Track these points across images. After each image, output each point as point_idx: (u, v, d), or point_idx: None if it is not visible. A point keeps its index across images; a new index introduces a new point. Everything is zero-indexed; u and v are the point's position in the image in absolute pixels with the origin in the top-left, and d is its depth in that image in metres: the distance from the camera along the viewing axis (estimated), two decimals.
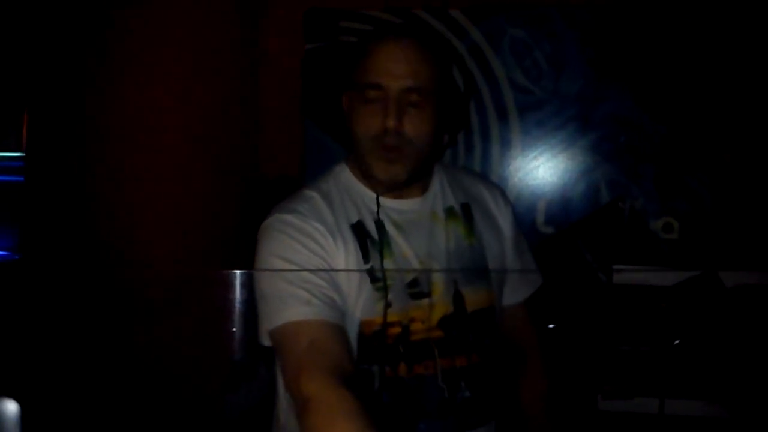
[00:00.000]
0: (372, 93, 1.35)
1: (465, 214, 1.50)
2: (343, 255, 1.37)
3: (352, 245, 1.39)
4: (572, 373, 2.14)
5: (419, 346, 1.39)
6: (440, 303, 1.41)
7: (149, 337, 2.10)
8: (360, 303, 1.36)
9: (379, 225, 1.41)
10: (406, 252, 1.41)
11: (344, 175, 1.48)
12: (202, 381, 2.12)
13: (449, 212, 1.48)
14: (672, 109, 2.28)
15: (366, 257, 1.38)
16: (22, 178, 2.48)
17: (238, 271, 1.52)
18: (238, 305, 1.60)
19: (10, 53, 2.84)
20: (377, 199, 1.42)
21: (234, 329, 1.76)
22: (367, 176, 1.43)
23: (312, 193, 1.44)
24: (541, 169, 2.34)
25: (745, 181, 2.30)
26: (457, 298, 1.42)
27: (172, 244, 2.16)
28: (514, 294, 1.59)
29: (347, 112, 1.42)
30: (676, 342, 2.14)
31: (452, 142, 1.56)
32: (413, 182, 1.44)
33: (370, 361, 1.37)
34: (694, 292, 2.16)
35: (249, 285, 1.44)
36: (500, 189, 1.63)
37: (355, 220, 1.42)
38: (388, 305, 1.36)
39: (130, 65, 2.21)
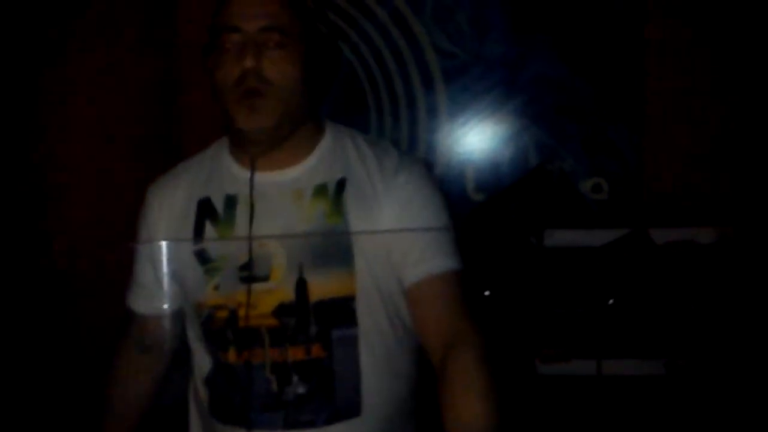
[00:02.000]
0: (230, 36, 1.25)
1: (337, 190, 1.34)
2: (171, 231, 1.36)
3: (188, 226, 1.34)
4: (509, 339, 2.12)
5: (248, 333, 1.30)
6: (279, 289, 1.30)
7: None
8: (190, 284, 1.33)
9: (230, 202, 1.34)
10: (246, 233, 1.31)
11: (220, 150, 1.39)
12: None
13: (318, 190, 1.34)
14: (597, 69, 2.27)
15: (198, 237, 1.33)
16: None
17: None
18: None
19: None
20: (252, 168, 1.32)
21: None
22: (233, 137, 1.34)
23: (178, 168, 1.42)
24: (469, 135, 2.31)
25: (673, 136, 2.31)
26: (300, 285, 1.30)
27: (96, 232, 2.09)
28: (415, 269, 1.32)
29: (208, 71, 1.30)
30: (611, 302, 2.14)
31: (325, 91, 1.42)
32: (284, 139, 1.32)
33: (207, 342, 1.34)
34: (625, 251, 2.16)
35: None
36: (402, 160, 1.39)
37: (203, 196, 1.35)
38: (215, 287, 1.31)
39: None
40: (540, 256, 2.19)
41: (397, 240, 1.32)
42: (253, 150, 1.30)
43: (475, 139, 2.31)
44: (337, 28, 2.28)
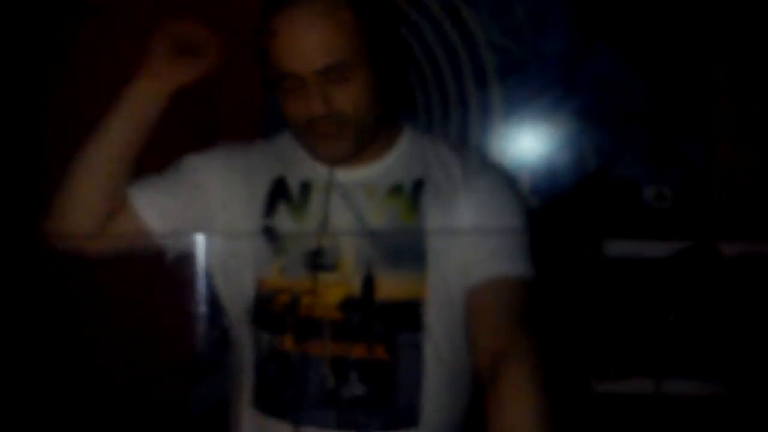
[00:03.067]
0: (288, 82, 1.20)
1: (414, 190, 1.31)
2: (231, 201, 1.33)
3: (259, 198, 1.32)
4: (564, 354, 2.02)
5: (309, 322, 1.27)
6: (345, 282, 1.27)
7: (101, 326, 1.98)
8: (250, 258, 1.30)
9: (305, 188, 1.32)
10: (319, 222, 1.29)
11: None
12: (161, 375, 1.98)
13: (393, 188, 1.32)
14: (663, 68, 2.15)
15: (269, 213, 1.31)
16: None
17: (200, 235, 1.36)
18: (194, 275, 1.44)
19: None
20: (330, 174, 1.31)
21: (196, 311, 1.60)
22: (311, 154, 1.32)
23: (256, 143, 1.43)
24: (525, 136, 2.21)
25: (742, 145, 2.18)
26: (367, 282, 1.26)
27: None
28: (479, 269, 1.25)
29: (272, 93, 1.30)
30: (672, 317, 2.02)
31: (402, 93, 1.39)
32: (365, 150, 1.31)
33: (262, 325, 1.30)
34: (690, 264, 2.04)
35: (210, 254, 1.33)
36: (483, 162, 1.39)
37: (279, 175, 1.34)
38: (281, 269, 1.29)
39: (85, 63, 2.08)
40: (598, 267, 2.09)
41: (468, 242, 1.28)
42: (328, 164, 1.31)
43: (531, 140, 2.21)
44: (401, 22, 2.18)
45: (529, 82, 2.19)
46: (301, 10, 1.17)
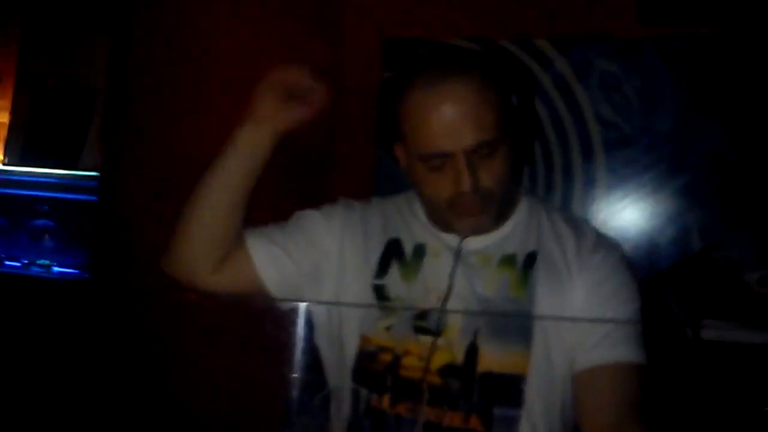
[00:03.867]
0: (436, 161, 1.21)
1: (526, 263, 1.31)
2: (345, 259, 1.34)
3: (373, 257, 1.33)
4: None
5: (409, 384, 1.27)
6: (448, 348, 1.26)
7: (203, 368, 2.06)
8: (358, 313, 1.31)
9: (419, 250, 1.33)
10: (430, 284, 1.30)
11: (414, 200, 1.39)
12: (255, 417, 2.05)
13: (506, 259, 1.31)
14: None
15: (381, 273, 1.32)
16: (95, 198, 2.50)
17: (302, 304, 1.42)
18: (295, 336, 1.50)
19: (82, 70, 2.89)
20: (459, 242, 1.31)
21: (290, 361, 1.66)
22: (443, 226, 1.32)
23: (373, 202, 1.42)
24: (628, 210, 2.19)
25: None
26: (471, 351, 1.25)
27: None
28: (590, 353, 1.25)
29: (406, 168, 1.31)
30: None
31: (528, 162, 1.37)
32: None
33: (361, 381, 1.29)
34: None
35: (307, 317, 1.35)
36: (600, 240, 1.34)
37: (394, 236, 1.36)
38: (387, 328, 1.29)
39: (207, 91, 2.20)
40: (695, 349, 2.04)
41: (573, 327, 1.26)
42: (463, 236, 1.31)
43: (634, 215, 2.19)
44: (534, 92, 2.22)
45: (636, 157, 2.18)
46: (447, 88, 1.19)
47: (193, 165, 2.00)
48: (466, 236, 1.29)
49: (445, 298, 1.28)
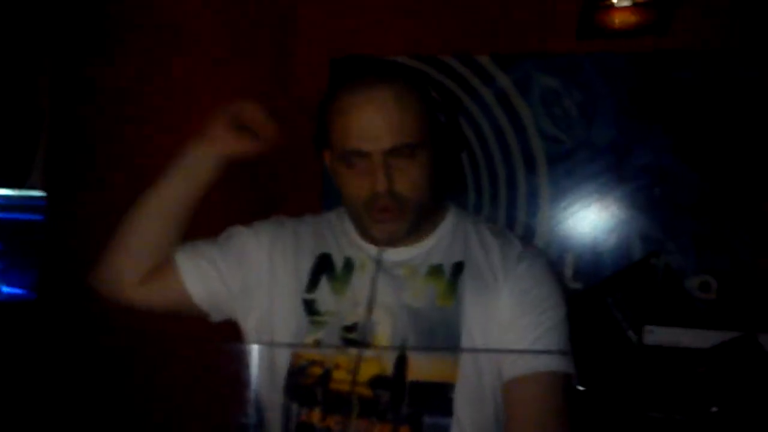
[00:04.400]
0: (354, 159, 1.23)
1: (453, 273, 1.32)
2: (275, 274, 1.34)
3: (304, 272, 1.34)
4: None
5: (339, 397, 1.26)
6: (377, 360, 1.26)
7: (153, 388, 2.04)
8: (290, 329, 1.30)
9: (348, 264, 1.34)
10: (359, 297, 1.30)
11: (344, 215, 1.40)
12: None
13: (433, 270, 1.33)
14: (711, 160, 2.17)
15: (311, 287, 1.33)
16: (42, 217, 2.47)
17: (255, 346, 1.39)
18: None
19: (27, 88, 2.87)
20: (378, 251, 1.32)
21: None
22: (363, 234, 1.34)
23: (305, 218, 1.43)
24: (570, 220, 2.24)
25: None
26: (400, 361, 1.25)
27: None
28: (514, 364, 1.25)
29: (332, 171, 1.32)
30: (713, 410, 1.99)
31: (453, 178, 1.39)
32: (413, 233, 1.33)
33: (292, 396, 1.28)
34: (732, 356, 2.02)
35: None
36: (524, 249, 1.35)
37: (324, 251, 1.36)
38: (316, 342, 1.29)
39: (159, 109, 2.20)
40: (638, 354, 2.08)
41: (505, 330, 1.26)
42: (381, 244, 1.32)
43: (577, 225, 2.24)
44: (457, 110, 2.27)
45: (578, 169, 2.23)
46: (372, 91, 1.21)
47: (141, 185, 2.01)
48: (383, 244, 1.30)
49: (369, 308, 1.28)
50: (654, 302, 2.12)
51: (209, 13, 2.25)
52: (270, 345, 1.33)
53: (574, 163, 2.24)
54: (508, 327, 1.27)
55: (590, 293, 2.17)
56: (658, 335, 2.07)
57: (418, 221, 1.30)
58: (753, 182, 2.17)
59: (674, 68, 2.17)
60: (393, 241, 1.29)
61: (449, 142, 1.32)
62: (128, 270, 1.32)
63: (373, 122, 1.21)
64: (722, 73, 2.16)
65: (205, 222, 1.43)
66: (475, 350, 1.26)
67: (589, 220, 2.23)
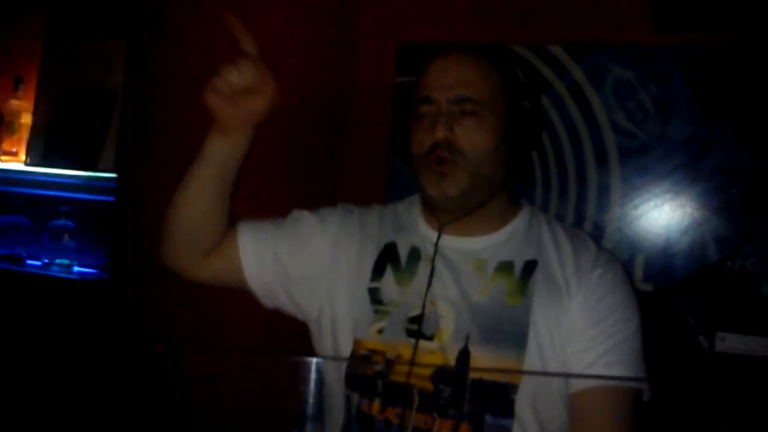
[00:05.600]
0: (424, 108, 1.29)
1: (524, 271, 1.30)
2: (338, 263, 1.35)
3: (369, 261, 1.35)
4: None
5: (399, 388, 1.25)
6: (440, 353, 1.26)
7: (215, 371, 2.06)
8: (353, 318, 1.31)
9: (413, 254, 1.34)
10: (424, 288, 1.29)
11: (413, 204, 1.43)
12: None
13: (502, 265, 1.30)
14: None
15: (376, 276, 1.33)
16: (113, 198, 2.53)
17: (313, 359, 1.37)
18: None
19: (102, 72, 2.92)
20: (438, 236, 1.32)
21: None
22: (425, 201, 1.36)
23: (374, 207, 1.45)
24: (642, 219, 2.16)
25: None
26: (463, 356, 1.25)
27: None
28: (584, 373, 1.24)
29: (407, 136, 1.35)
30: None
31: (526, 165, 1.40)
32: (476, 208, 1.30)
33: (353, 386, 1.29)
34: None
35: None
36: (599, 254, 1.33)
37: (391, 240, 1.37)
38: (379, 331, 1.29)
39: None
40: (709, 361, 2.01)
41: (576, 335, 1.24)
42: (441, 217, 1.32)
43: (649, 224, 2.16)
44: (540, 101, 2.20)
45: (651, 165, 2.15)
46: (454, 54, 1.31)
47: None
48: (439, 206, 1.30)
49: (426, 293, 1.28)
50: (728, 307, 2.04)
51: (273, 2, 2.24)
52: (334, 359, 1.32)
53: (647, 160, 2.15)
54: (578, 335, 1.25)
55: (661, 296, 2.10)
56: (730, 342, 2.00)
57: (477, 192, 1.28)
58: None
59: (756, 63, 2.06)
60: (446, 202, 1.28)
61: (527, 126, 1.31)
62: (185, 249, 1.35)
63: (445, 74, 1.27)
64: None
65: (267, 208, 1.44)
66: (545, 374, 1.23)
67: (662, 219, 2.15)
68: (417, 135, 1.29)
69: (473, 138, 1.25)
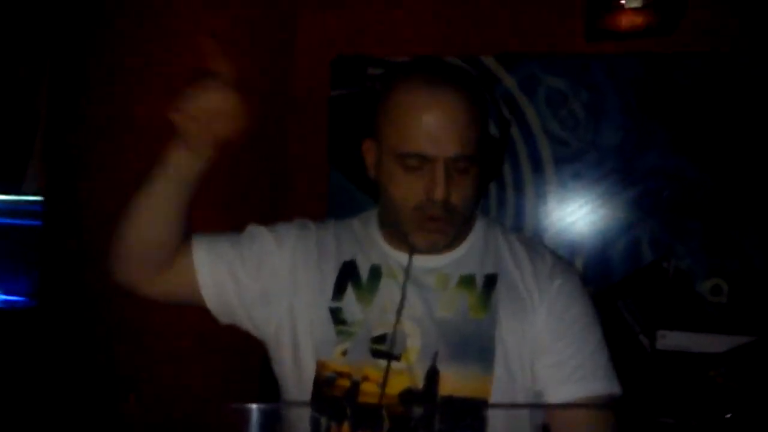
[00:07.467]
0: (414, 161, 1.20)
1: (486, 285, 1.29)
2: (297, 280, 1.30)
3: (329, 279, 1.29)
4: None
5: (369, 410, 1.23)
6: (408, 373, 1.23)
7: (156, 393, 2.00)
8: (314, 339, 1.26)
9: (374, 272, 1.30)
10: (387, 307, 1.26)
11: (370, 220, 1.37)
12: None
13: (464, 280, 1.29)
14: (720, 162, 2.14)
15: (337, 296, 1.28)
16: (40, 223, 2.43)
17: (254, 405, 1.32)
18: None
19: (23, 92, 2.83)
20: (409, 263, 1.28)
21: None
22: (400, 240, 1.30)
23: (328, 223, 1.38)
24: (579, 224, 2.21)
25: None
26: (431, 374, 1.22)
27: None
28: (558, 390, 1.22)
29: (375, 166, 1.29)
30: (727, 416, 1.96)
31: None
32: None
33: (320, 409, 1.24)
34: (746, 360, 1.98)
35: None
36: (556, 264, 1.32)
37: (350, 258, 1.32)
38: (343, 352, 1.24)
39: (157, 111, 2.16)
40: (650, 359, 2.05)
41: (545, 349, 1.24)
42: (419, 252, 1.28)
43: (585, 228, 2.20)
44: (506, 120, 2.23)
45: (585, 171, 2.20)
46: (440, 93, 1.19)
47: (138, 185, 1.96)
48: (423, 252, 1.26)
49: (397, 317, 1.24)
50: (665, 306, 2.09)
51: (209, 15, 2.21)
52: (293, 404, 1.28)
53: (581, 165, 2.20)
54: (547, 349, 1.24)
55: (600, 297, 2.13)
56: (670, 340, 2.04)
57: (459, 233, 1.28)
58: (763, 184, 2.14)
59: (682, 70, 2.14)
60: (433, 251, 1.26)
61: (498, 155, 1.29)
62: (138, 265, 1.29)
63: (441, 127, 1.18)
64: (731, 75, 2.13)
65: (207, 222, 1.39)
66: (519, 406, 1.22)
67: (598, 223, 2.19)
68: (405, 184, 1.22)
69: (467, 195, 1.23)
